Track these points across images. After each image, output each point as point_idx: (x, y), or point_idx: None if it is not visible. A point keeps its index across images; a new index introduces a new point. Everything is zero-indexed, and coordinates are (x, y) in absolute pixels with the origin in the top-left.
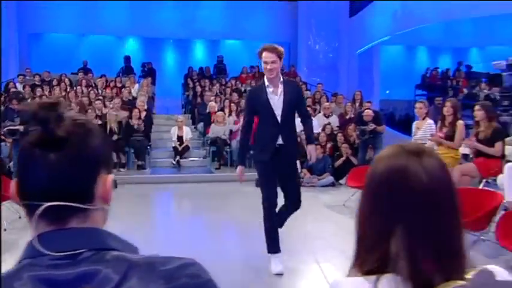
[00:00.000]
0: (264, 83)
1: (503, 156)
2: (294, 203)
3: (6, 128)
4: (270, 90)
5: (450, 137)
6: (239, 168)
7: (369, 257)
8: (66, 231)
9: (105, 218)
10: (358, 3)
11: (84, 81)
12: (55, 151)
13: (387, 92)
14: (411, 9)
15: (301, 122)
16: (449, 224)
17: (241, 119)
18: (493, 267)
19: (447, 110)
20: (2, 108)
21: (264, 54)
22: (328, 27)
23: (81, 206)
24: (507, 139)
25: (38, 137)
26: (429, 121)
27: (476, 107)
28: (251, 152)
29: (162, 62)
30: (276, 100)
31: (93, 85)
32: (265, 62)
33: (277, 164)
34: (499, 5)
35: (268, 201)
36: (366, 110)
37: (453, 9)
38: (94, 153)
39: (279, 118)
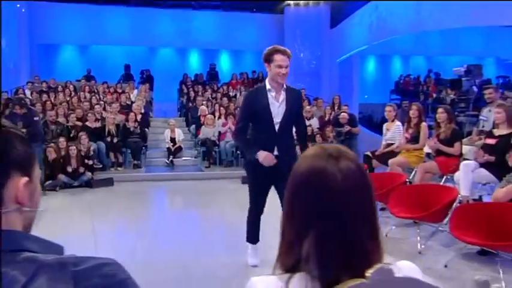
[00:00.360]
0: (265, 86)
1: (461, 154)
2: None
3: None
4: (271, 95)
5: (415, 137)
6: (262, 153)
7: (288, 255)
8: None
9: (27, 219)
10: (338, 16)
11: (87, 87)
12: None
13: (366, 96)
14: (385, 21)
15: (296, 128)
16: (362, 225)
17: (229, 122)
18: (402, 263)
19: (413, 113)
20: (7, 112)
21: (278, 57)
22: (311, 38)
23: None
24: (464, 139)
25: None
26: (397, 123)
27: (440, 110)
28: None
29: (160, 69)
30: (277, 107)
31: (95, 91)
32: (280, 66)
33: (271, 172)
34: (463, 19)
35: (256, 211)
36: (342, 113)
37: (422, 22)
38: (3, 152)
39: (276, 127)
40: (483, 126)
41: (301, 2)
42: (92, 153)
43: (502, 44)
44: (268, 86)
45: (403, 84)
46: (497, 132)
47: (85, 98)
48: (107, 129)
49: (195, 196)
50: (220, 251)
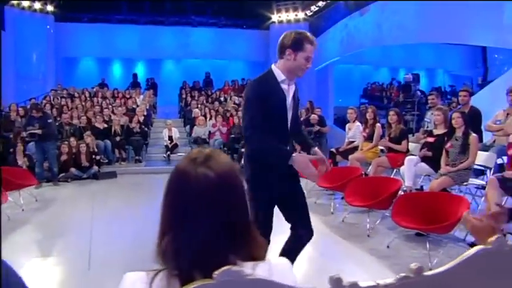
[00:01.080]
0: (274, 77)
1: (407, 151)
2: (308, 231)
3: (28, 132)
4: (284, 87)
5: (371, 136)
6: (300, 158)
7: (156, 252)
8: None
9: None
10: (315, 32)
11: (100, 93)
12: None
13: (340, 100)
14: (353, 37)
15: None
16: (218, 226)
17: (218, 123)
18: (277, 260)
19: (369, 115)
20: (28, 115)
21: (310, 47)
22: None
23: None
24: (412, 138)
25: None
26: (357, 123)
27: (391, 112)
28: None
29: (164, 77)
30: (289, 103)
31: (106, 97)
32: (308, 59)
33: (285, 179)
34: (417, 36)
35: (269, 235)
36: (312, 115)
37: (382, 37)
38: None
39: (289, 126)
40: (427, 127)
41: (285, 19)
42: (96, 150)
43: (450, 58)
44: (281, 77)
45: (370, 90)
46: (435, 132)
47: (98, 102)
48: (113, 129)
49: None
50: None
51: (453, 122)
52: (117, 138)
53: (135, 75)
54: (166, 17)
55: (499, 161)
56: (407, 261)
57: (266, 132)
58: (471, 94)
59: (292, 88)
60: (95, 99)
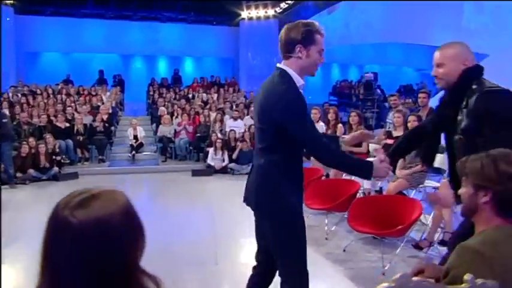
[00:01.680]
0: (292, 82)
1: (368, 152)
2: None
3: None
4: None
5: (333, 138)
6: (378, 163)
7: None
8: None
9: None
10: None
11: (64, 90)
12: None
13: (309, 97)
14: None
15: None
16: (78, 272)
17: (184, 121)
18: None
19: (331, 115)
20: None
21: (321, 39)
22: (262, 46)
23: None
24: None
25: None
26: (321, 123)
27: (353, 114)
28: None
29: (132, 73)
30: None
31: (70, 94)
32: (321, 51)
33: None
34: (383, 36)
35: (306, 272)
36: None
37: (350, 36)
38: None
39: None
40: (389, 128)
41: (254, 16)
42: (57, 150)
43: (418, 56)
44: (300, 81)
45: (339, 87)
46: (395, 133)
47: (61, 100)
48: (75, 128)
49: (151, 187)
50: (174, 232)
51: (409, 125)
52: (80, 138)
53: (101, 72)
54: (134, 12)
55: None
56: (362, 266)
57: (293, 147)
58: (430, 95)
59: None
60: (59, 96)
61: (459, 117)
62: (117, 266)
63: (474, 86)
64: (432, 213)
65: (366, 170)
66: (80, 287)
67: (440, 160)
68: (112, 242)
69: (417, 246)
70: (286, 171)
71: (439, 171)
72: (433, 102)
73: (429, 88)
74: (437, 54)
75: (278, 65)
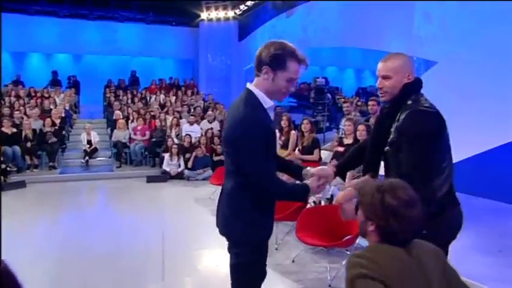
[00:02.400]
0: (259, 102)
1: (320, 159)
2: None
3: None
4: (271, 116)
5: (286, 143)
6: (313, 183)
7: None
8: None
9: None
10: (244, 31)
11: (13, 92)
12: None
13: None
14: (280, 38)
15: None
16: None
17: (140, 126)
18: None
19: (284, 122)
20: None
21: (294, 67)
22: (222, 48)
23: None
24: (327, 145)
25: None
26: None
27: (305, 121)
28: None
29: (87, 74)
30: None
31: (20, 96)
32: (291, 80)
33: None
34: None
35: None
36: None
37: (308, 40)
38: None
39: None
40: (342, 135)
41: (214, 17)
42: (2, 158)
43: (376, 59)
44: (268, 103)
45: (298, 89)
46: (345, 141)
47: (10, 102)
48: (23, 134)
49: (104, 195)
50: (122, 244)
51: (357, 134)
52: (28, 144)
53: (55, 73)
54: (89, 11)
55: None
56: (310, 278)
57: (272, 171)
58: (379, 103)
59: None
60: (7, 98)
61: (392, 129)
62: None
63: (409, 102)
64: None
65: (302, 195)
66: None
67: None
68: None
69: None
70: (254, 195)
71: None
72: None
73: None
74: (382, 66)
75: (247, 84)
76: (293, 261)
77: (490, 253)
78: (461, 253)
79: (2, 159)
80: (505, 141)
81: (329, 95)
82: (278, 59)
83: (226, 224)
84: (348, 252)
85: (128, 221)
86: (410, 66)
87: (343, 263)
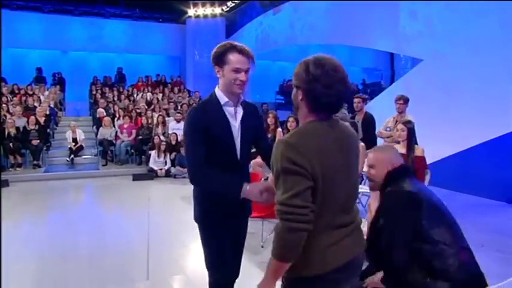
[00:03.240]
0: (217, 100)
1: None
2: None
3: None
4: (229, 110)
5: (272, 141)
6: (252, 186)
7: None
8: None
9: None
10: (231, 28)
11: None
12: None
13: (257, 96)
14: (268, 35)
15: (263, 154)
16: None
17: (126, 123)
18: None
19: (270, 120)
20: None
21: (234, 56)
22: (209, 45)
23: None
24: None
25: None
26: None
27: (291, 119)
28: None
29: (74, 71)
30: (236, 128)
31: (3, 93)
32: (237, 70)
33: (237, 216)
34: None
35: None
36: None
37: (294, 37)
38: None
39: (238, 154)
40: None
41: (201, 14)
42: None
43: (364, 56)
44: (223, 99)
45: (285, 86)
46: None
47: None
48: (6, 132)
49: (89, 193)
50: (107, 243)
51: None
52: (11, 143)
53: (39, 69)
54: (75, 7)
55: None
56: None
57: (212, 167)
58: (365, 100)
59: (240, 110)
60: None
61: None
62: None
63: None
64: (366, 216)
65: (232, 187)
66: None
67: None
68: None
69: None
70: None
71: None
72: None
73: (385, 83)
74: (370, 156)
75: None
76: None
77: (472, 248)
78: None
79: None
80: (488, 138)
81: None
82: (220, 55)
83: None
84: None
85: (113, 220)
86: (396, 158)
87: None
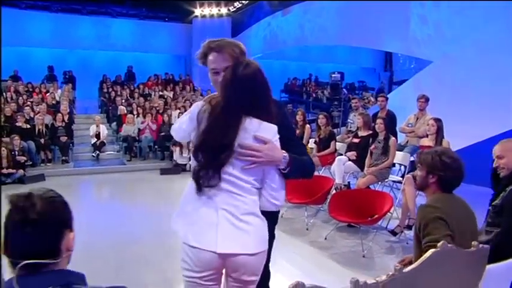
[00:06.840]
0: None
1: (335, 150)
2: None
3: None
4: None
5: (301, 136)
6: None
7: None
8: (38, 275)
9: (69, 259)
10: (238, 27)
11: (12, 87)
12: (31, 226)
13: None
14: (276, 36)
15: None
16: None
17: (147, 119)
18: None
19: (299, 117)
20: None
21: (213, 55)
22: None
23: (49, 261)
24: (338, 137)
25: (19, 219)
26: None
27: (321, 116)
28: None
29: (83, 69)
30: None
31: (19, 92)
32: (213, 69)
33: None
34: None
35: None
36: None
37: (304, 38)
38: (58, 221)
39: None
40: (351, 127)
41: (207, 14)
42: (20, 152)
43: (364, 55)
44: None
45: (290, 85)
46: (360, 133)
47: (12, 98)
48: (37, 129)
49: (120, 187)
50: (147, 236)
51: (376, 127)
52: (42, 139)
53: (50, 68)
54: (83, 6)
55: (412, 158)
56: (344, 251)
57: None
58: (387, 99)
59: None
60: (8, 94)
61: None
62: None
63: None
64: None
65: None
66: None
67: (402, 157)
68: None
69: (392, 232)
70: None
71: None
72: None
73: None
74: (497, 148)
75: None
76: (325, 238)
77: None
78: None
79: (21, 153)
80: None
81: (345, 90)
82: (201, 57)
83: None
84: (374, 230)
85: (145, 212)
86: None
87: (372, 237)
